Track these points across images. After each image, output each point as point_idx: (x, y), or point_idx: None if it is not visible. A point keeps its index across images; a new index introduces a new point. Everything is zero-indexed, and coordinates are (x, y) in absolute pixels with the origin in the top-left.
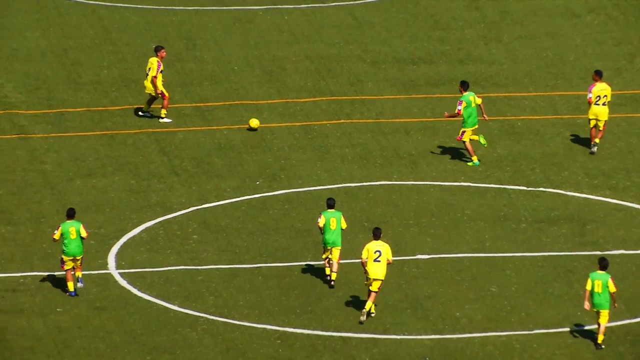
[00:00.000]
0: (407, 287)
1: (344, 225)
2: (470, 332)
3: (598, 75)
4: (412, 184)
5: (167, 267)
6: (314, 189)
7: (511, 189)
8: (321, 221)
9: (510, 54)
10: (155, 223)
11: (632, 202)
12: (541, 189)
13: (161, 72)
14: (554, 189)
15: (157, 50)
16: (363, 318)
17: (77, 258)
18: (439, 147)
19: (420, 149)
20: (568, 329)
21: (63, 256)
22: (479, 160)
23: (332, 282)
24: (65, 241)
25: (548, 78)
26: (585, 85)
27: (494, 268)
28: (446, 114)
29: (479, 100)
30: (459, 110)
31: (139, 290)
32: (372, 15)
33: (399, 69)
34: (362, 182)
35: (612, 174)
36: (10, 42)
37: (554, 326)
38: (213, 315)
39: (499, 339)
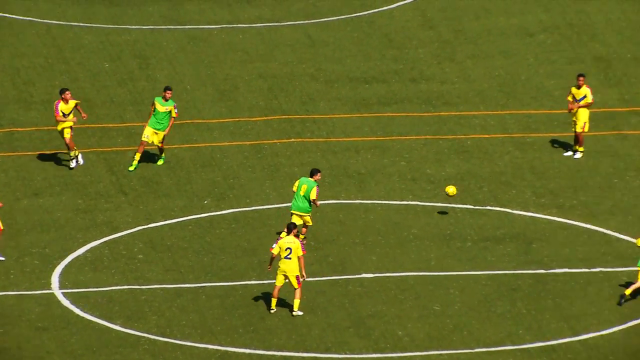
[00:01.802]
0: (350, 306)
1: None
2: (412, 351)
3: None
4: (360, 203)
5: (111, 286)
6: (262, 208)
7: (458, 207)
8: (295, 184)
9: (463, 72)
10: (101, 243)
11: (578, 221)
12: (488, 207)
13: (63, 114)
14: (501, 207)
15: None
16: (273, 309)
17: None
18: (388, 166)
19: (370, 167)
20: (510, 348)
21: None
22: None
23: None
24: None
25: (499, 97)
26: (535, 104)
27: (438, 287)
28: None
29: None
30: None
31: (81, 310)
32: (326, 34)
33: (352, 87)
34: None
35: (559, 193)
36: None
37: (495, 345)
38: (155, 335)
39: (440, 357)
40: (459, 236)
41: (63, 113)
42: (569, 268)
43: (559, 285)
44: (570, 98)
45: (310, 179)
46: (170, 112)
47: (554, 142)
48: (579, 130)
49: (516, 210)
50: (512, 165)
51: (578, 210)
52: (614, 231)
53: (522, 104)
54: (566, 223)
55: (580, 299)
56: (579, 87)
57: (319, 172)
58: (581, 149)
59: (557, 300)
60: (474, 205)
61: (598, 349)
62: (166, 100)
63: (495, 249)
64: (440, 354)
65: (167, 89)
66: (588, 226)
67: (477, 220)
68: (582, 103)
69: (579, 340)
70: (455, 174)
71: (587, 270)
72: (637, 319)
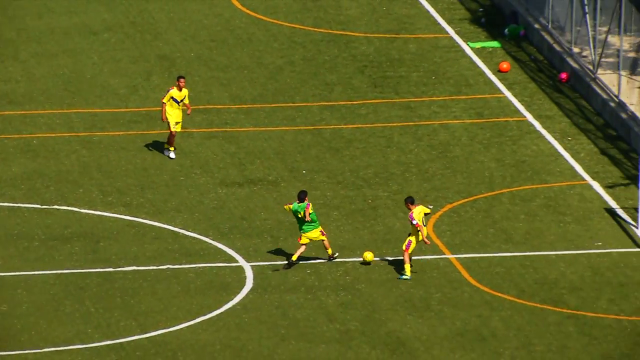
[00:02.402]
0: None
1: None
2: None
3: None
4: None
5: None
6: None
7: (25, 207)
8: None
9: (27, 72)
10: None
11: (145, 219)
12: (55, 207)
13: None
14: (69, 206)
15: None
16: None
17: None
18: None
19: None
20: (79, 347)
21: None
22: None
23: None
24: None
25: (65, 95)
26: (101, 102)
27: (5, 287)
28: None
29: None
30: None
31: None
32: None
33: None
34: None
35: (126, 191)
36: None
37: (64, 344)
38: None
39: (8, 358)
40: (26, 236)
41: None
42: (137, 266)
43: (127, 283)
44: (166, 99)
45: None
46: None
47: (121, 140)
48: (179, 129)
49: (83, 209)
50: (79, 164)
51: (145, 208)
52: (181, 228)
53: (87, 102)
54: (134, 221)
55: (148, 296)
56: (180, 89)
57: None
58: (172, 148)
59: (126, 298)
60: (41, 205)
61: (166, 345)
62: None
63: (63, 248)
64: (9, 355)
65: None
66: (155, 224)
67: (45, 220)
68: (185, 103)
69: (148, 337)
70: (21, 173)
71: (155, 267)
72: (204, 315)
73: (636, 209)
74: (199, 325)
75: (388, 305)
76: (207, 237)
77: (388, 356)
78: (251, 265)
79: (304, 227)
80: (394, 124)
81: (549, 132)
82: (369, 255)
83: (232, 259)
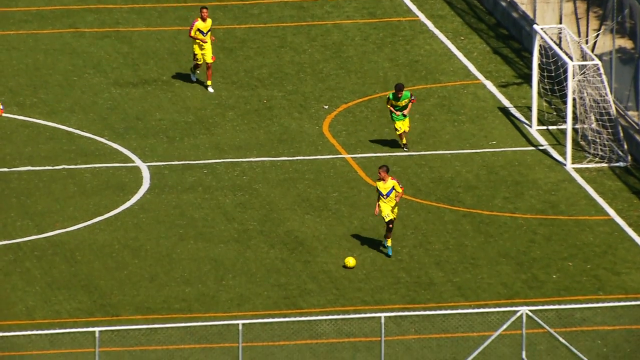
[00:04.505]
0: None
1: None
2: None
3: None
4: None
5: None
6: None
7: None
8: None
9: None
10: None
11: (39, 119)
12: None
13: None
14: None
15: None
16: None
17: None
18: None
19: None
20: None
21: None
22: None
23: None
24: None
25: None
26: None
27: None
28: None
29: None
30: None
31: None
32: None
33: None
34: None
35: (19, 91)
36: None
37: None
38: None
39: None
40: None
41: None
42: (32, 166)
43: (22, 184)
44: (194, 32)
45: None
46: None
47: (12, 39)
48: (210, 60)
49: None
50: None
51: (39, 108)
52: (75, 128)
53: None
54: (27, 121)
55: (45, 196)
56: (204, 20)
57: None
58: (209, 82)
59: (22, 198)
60: None
61: (64, 245)
62: None
63: None
64: None
65: None
66: (49, 124)
67: None
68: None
69: (45, 237)
70: None
71: (50, 167)
72: (101, 215)
73: (529, 108)
74: (96, 225)
75: (286, 205)
76: (102, 137)
77: (287, 255)
78: (147, 166)
79: (396, 117)
80: (287, 24)
81: (441, 31)
82: (351, 261)
83: (128, 159)
